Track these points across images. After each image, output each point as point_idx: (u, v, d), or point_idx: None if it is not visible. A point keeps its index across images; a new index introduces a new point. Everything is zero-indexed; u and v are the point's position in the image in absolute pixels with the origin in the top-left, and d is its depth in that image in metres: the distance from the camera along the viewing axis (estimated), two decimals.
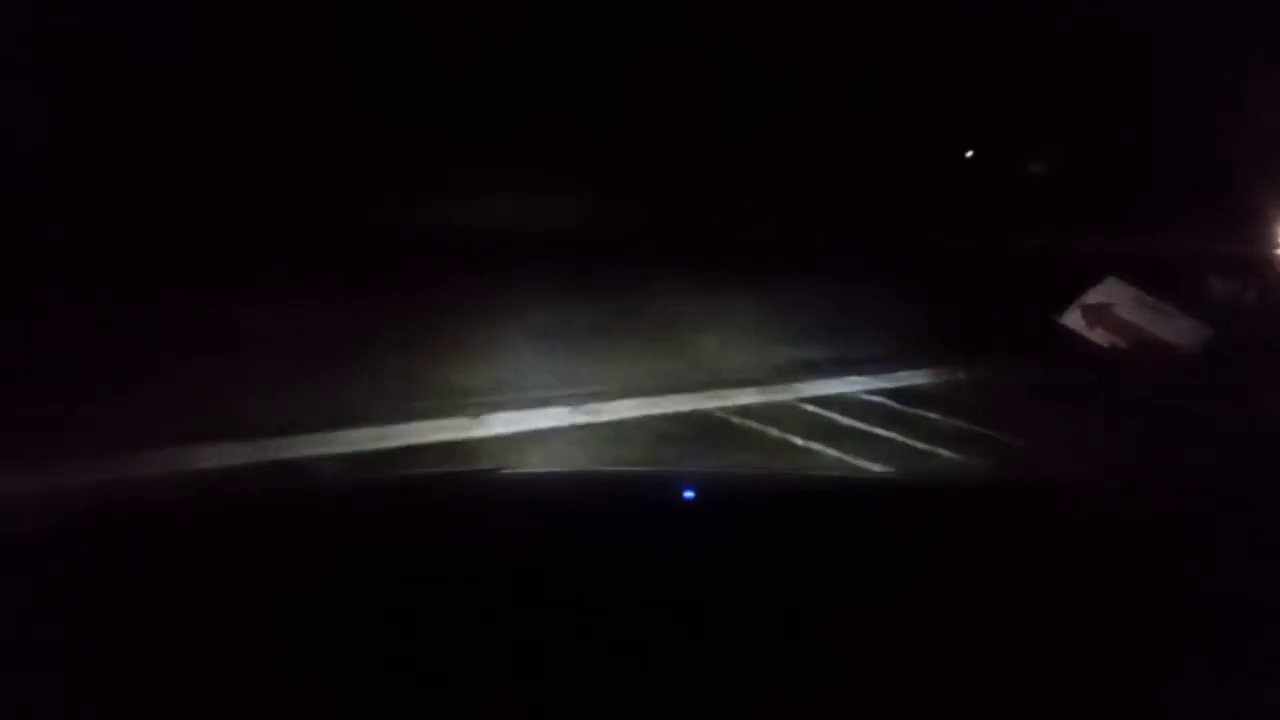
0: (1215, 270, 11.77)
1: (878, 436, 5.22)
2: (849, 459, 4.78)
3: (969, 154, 22.75)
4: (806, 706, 0.76)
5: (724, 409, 5.62)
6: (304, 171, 11.37)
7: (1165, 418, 5.58)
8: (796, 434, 5.12)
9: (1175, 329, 8.72)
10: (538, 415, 5.14)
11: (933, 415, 5.79)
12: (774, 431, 5.17)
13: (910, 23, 17.71)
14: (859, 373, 6.98)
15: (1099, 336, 8.80)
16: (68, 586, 0.96)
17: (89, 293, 6.55)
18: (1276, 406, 5.76)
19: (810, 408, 5.83)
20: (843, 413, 5.70)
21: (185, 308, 6.66)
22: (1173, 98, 17.50)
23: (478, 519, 1.24)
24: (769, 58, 16.35)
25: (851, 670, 0.81)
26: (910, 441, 5.13)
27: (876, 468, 4.61)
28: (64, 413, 4.21)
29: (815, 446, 4.92)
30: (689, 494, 1.45)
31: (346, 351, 6.04)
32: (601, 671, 0.79)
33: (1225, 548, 1.14)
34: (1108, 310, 8.98)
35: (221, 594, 0.94)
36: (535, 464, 4.48)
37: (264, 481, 3.80)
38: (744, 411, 5.59)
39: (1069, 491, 1.68)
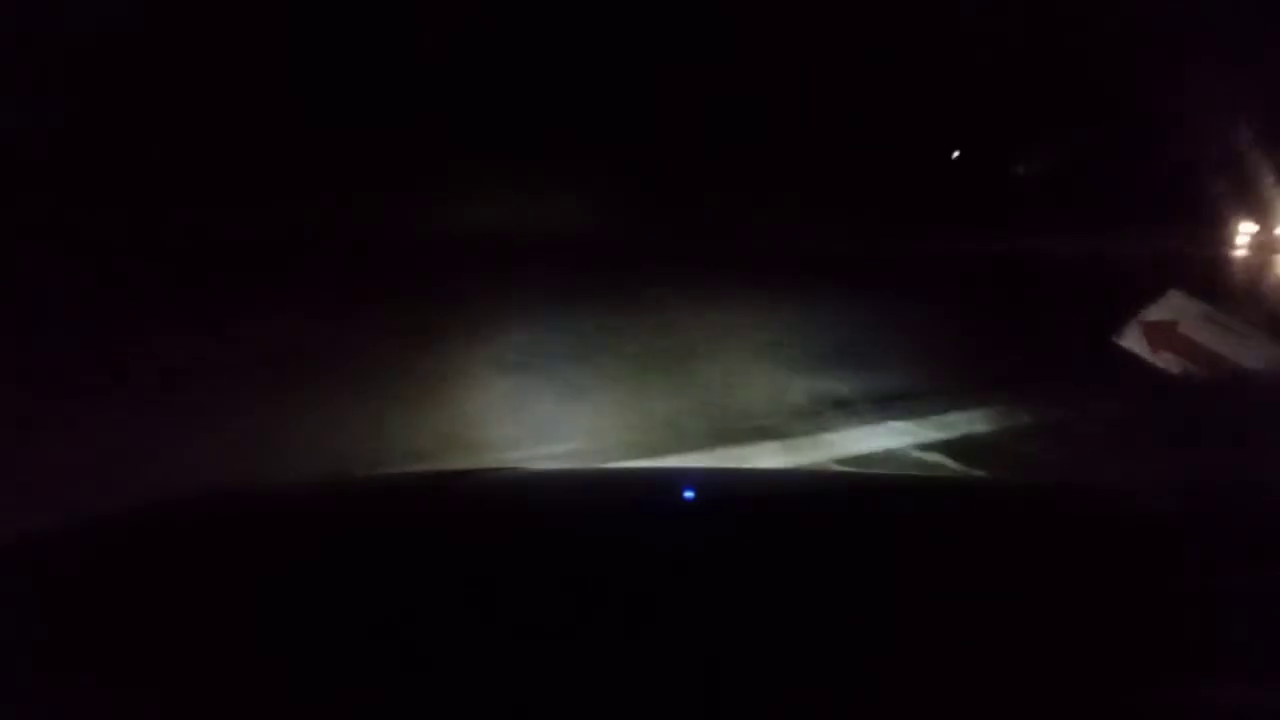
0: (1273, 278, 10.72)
1: None
2: None
3: (955, 155, 22.14)
4: (807, 707, 0.73)
5: None
6: (298, 172, 11.27)
7: None
8: None
9: (1252, 352, 7.50)
10: None
11: None
12: None
13: (901, 24, 17.57)
14: (900, 414, 5.72)
15: (1167, 361, 7.55)
16: (67, 586, 0.95)
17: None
18: None
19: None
20: None
21: (115, 335, 5.84)
22: (1155, 100, 17.26)
23: (478, 519, 1.22)
24: (766, 59, 16.11)
25: (852, 670, 0.79)
26: None
27: None
28: None
29: None
30: (689, 494, 1.45)
31: (277, 390, 5.06)
32: (601, 671, 0.77)
33: (1225, 548, 1.11)
34: (1173, 329, 7.74)
35: (221, 594, 0.92)
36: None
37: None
38: None
39: (1069, 492, 1.60)
